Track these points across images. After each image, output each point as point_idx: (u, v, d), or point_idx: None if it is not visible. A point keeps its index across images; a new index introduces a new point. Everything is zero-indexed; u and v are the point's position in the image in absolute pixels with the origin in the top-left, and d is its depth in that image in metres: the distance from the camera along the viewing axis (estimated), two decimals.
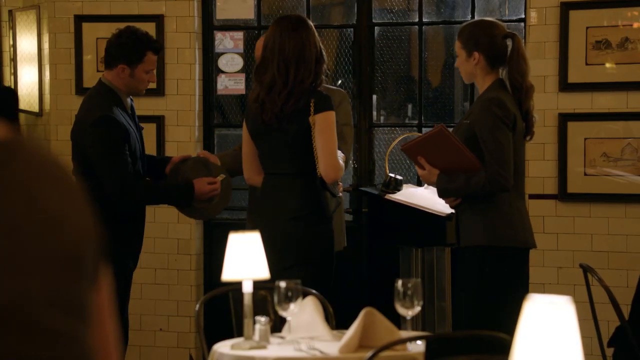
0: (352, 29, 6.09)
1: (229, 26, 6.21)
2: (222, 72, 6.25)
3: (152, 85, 5.99)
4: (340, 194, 4.54)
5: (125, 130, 4.57)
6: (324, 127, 4.25)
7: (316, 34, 4.35)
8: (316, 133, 4.23)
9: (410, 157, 4.42)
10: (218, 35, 6.20)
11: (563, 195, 5.49)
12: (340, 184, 4.55)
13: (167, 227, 5.94)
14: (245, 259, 3.47)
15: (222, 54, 6.25)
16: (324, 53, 4.34)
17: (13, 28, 6.37)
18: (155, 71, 4.78)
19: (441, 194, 4.29)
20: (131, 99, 4.79)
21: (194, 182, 4.70)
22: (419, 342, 3.25)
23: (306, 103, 4.23)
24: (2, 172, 0.89)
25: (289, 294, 3.31)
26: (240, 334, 3.56)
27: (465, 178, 4.17)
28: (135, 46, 4.67)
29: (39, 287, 0.88)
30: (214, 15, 6.17)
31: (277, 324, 3.62)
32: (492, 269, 4.17)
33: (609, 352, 4.33)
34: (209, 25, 6.14)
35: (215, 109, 6.28)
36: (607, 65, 5.43)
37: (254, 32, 6.22)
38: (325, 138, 4.25)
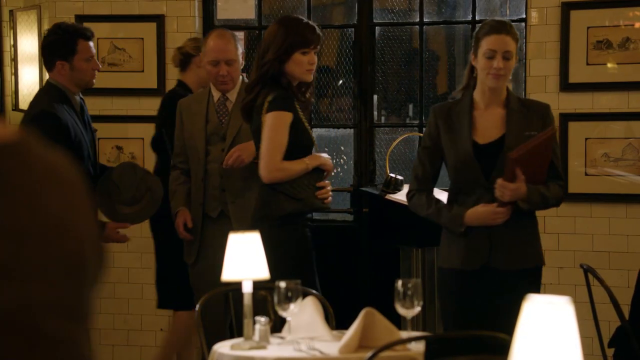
0: (352, 29, 6.09)
1: (230, 26, 6.21)
2: None
3: (153, 86, 5.99)
4: (327, 199, 4.35)
5: (65, 126, 4.52)
6: (269, 126, 4.24)
7: (293, 31, 4.31)
8: (263, 132, 4.26)
9: (512, 167, 3.85)
10: None
11: (564, 195, 5.47)
12: (328, 189, 4.38)
13: None
14: (245, 259, 3.47)
15: None
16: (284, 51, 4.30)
17: (14, 28, 6.37)
18: (96, 58, 4.74)
19: (534, 206, 3.91)
20: (81, 99, 4.76)
21: (107, 224, 4.73)
22: (418, 342, 3.25)
23: (263, 100, 4.27)
24: (9, 176, 0.89)
25: (289, 294, 3.31)
26: (240, 334, 3.56)
27: (545, 188, 3.89)
28: (64, 39, 4.63)
29: (43, 293, 0.88)
30: (215, 15, 6.17)
31: (277, 324, 3.62)
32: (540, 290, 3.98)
33: (610, 352, 4.33)
34: (210, 25, 6.13)
35: None
36: (608, 65, 5.43)
37: (255, 32, 6.23)
38: (268, 137, 4.24)
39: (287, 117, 4.24)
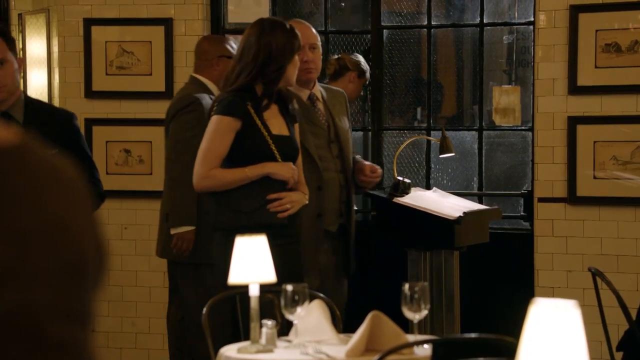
0: (368, 35, 6.07)
1: (241, 30, 6.21)
2: None
3: (161, 89, 5.99)
4: (281, 213, 4.08)
5: None
6: (207, 131, 4.10)
7: (271, 34, 4.14)
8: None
9: None
10: (230, 39, 6.19)
11: (572, 198, 5.47)
12: (283, 201, 4.07)
13: None
14: (252, 262, 3.46)
15: None
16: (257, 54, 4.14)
17: (22, 31, 6.39)
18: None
19: None
20: (2, 115, 4.15)
21: None
22: (425, 346, 3.24)
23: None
24: (11, 178, 0.89)
25: (296, 297, 3.30)
26: (247, 337, 3.55)
27: None
28: None
29: (46, 294, 0.88)
30: (226, 19, 6.16)
31: (284, 328, 3.61)
32: None
33: (618, 356, 4.31)
34: (220, 29, 6.13)
35: None
36: (617, 68, 5.41)
37: None
38: (202, 143, 4.11)
39: (226, 122, 4.04)
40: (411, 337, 3.29)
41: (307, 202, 4.21)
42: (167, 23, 5.99)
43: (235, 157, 4.07)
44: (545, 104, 5.51)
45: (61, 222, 0.91)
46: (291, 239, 4.15)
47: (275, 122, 4.15)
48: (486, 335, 3.36)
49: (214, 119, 4.08)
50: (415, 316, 3.27)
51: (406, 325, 3.37)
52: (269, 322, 3.40)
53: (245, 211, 4.04)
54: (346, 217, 4.58)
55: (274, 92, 4.13)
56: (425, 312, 3.27)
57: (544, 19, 5.54)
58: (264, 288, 3.48)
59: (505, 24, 6.14)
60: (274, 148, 4.08)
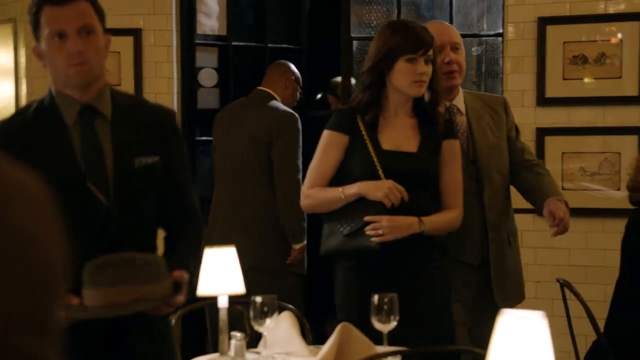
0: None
1: (210, 41, 6.22)
2: (202, 86, 6.26)
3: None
4: (375, 238, 3.56)
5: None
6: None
7: (397, 33, 3.59)
8: None
9: None
10: (198, 49, 6.20)
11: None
12: (376, 225, 3.53)
13: None
14: (221, 273, 3.45)
15: (201, 68, 6.26)
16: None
17: None
18: (72, 37, 2.86)
19: None
20: (86, 108, 3.02)
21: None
22: (395, 357, 3.24)
23: None
24: None
25: (265, 309, 3.29)
26: (216, 349, 3.54)
27: None
28: (32, 8, 2.92)
29: (9, 305, 0.87)
30: (195, 30, 6.16)
31: (253, 340, 3.60)
32: None
33: None
34: (190, 40, 6.12)
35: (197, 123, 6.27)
36: (585, 80, 5.45)
37: (226, 47, 6.24)
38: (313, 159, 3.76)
39: (331, 137, 3.63)
40: (381, 349, 3.29)
41: (421, 230, 3.57)
42: (136, 34, 5.97)
43: (342, 175, 3.65)
44: (514, 115, 5.53)
45: (23, 233, 0.91)
46: (384, 273, 3.63)
47: (394, 136, 3.64)
48: (455, 346, 3.36)
49: (323, 134, 3.68)
50: (384, 327, 3.27)
51: (380, 337, 3.37)
52: (237, 334, 3.39)
53: (345, 233, 3.61)
54: (485, 247, 3.97)
55: (376, 102, 3.61)
56: (394, 324, 3.27)
57: (512, 31, 5.57)
58: (233, 299, 3.47)
59: (474, 35, 6.17)
60: (377, 165, 3.58)
